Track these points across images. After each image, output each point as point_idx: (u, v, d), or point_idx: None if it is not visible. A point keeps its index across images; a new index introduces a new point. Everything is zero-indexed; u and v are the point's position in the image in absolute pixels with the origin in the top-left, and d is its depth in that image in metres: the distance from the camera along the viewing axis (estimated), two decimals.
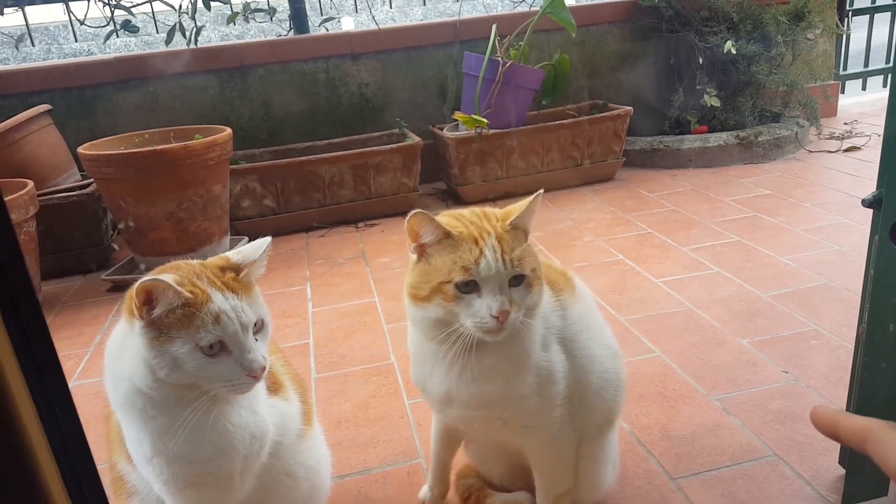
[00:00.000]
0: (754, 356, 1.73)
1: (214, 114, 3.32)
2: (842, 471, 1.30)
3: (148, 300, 0.87)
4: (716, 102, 3.54)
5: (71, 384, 1.92)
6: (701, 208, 2.88)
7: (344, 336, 2.08)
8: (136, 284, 0.87)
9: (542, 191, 1.04)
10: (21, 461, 0.50)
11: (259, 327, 0.95)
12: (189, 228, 2.59)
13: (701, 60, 3.59)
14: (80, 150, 2.52)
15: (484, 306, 0.96)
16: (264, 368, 0.92)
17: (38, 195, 2.45)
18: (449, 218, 1.04)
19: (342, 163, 3.05)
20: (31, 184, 2.33)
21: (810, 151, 3.56)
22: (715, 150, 3.48)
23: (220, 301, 0.90)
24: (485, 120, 3.01)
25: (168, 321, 0.88)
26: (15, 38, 3.34)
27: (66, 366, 2.01)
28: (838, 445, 1.31)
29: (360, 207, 3.14)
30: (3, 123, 2.61)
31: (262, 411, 1.01)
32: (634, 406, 1.57)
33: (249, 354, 0.91)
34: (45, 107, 2.82)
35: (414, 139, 3.19)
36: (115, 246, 2.96)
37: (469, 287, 0.97)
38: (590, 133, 3.29)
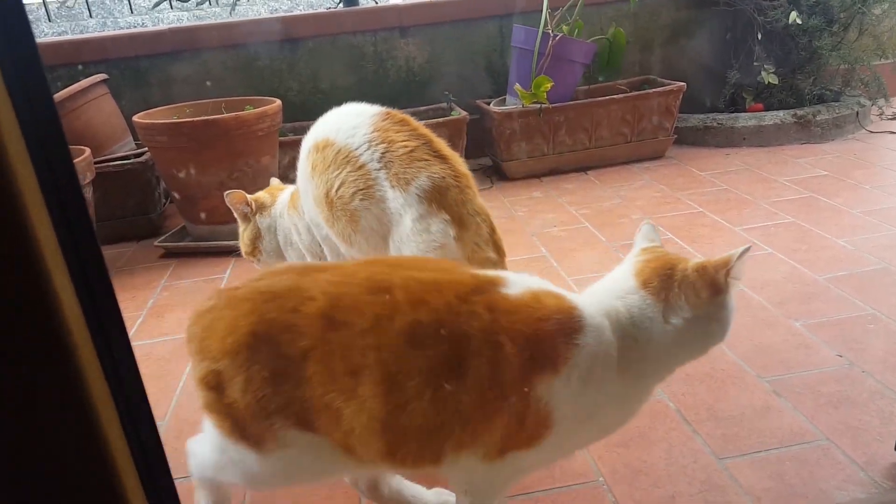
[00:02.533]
0: (808, 339, 1.69)
1: (263, 86, 3.35)
2: None
3: None
4: (774, 80, 3.42)
5: None
6: (754, 188, 2.80)
7: None
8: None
9: (232, 193, 1.72)
10: (85, 415, 0.51)
11: None
12: None
13: (759, 35, 3.47)
14: (135, 118, 2.57)
15: None
16: None
17: (94, 162, 2.52)
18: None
19: None
20: (87, 150, 2.39)
21: (871, 132, 3.42)
22: (770, 128, 3.37)
23: None
24: (548, 84, 2.93)
25: None
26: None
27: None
28: (895, 432, 1.27)
29: None
30: (61, 92, 2.67)
31: None
32: (681, 385, 1.55)
33: None
34: (101, 76, 2.88)
35: (460, 113, 3.17)
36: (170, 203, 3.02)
37: None
38: (641, 109, 3.22)
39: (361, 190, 1.25)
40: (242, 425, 0.95)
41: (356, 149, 1.28)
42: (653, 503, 1.22)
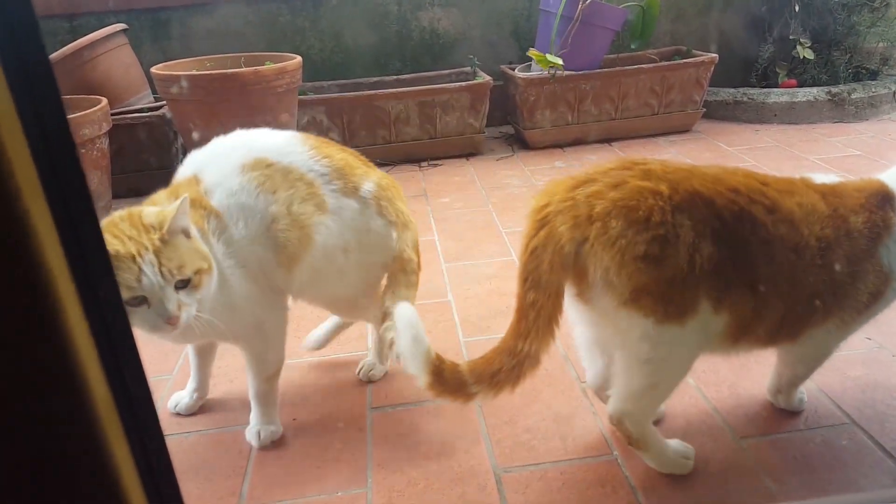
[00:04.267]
0: None
1: (285, 43, 3.28)
2: None
3: None
4: (809, 55, 3.31)
5: None
6: (784, 166, 2.72)
7: None
8: None
9: (186, 196, 1.11)
10: (74, 380, 0.47)
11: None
12: None
13: (797, 8, 3.34)
14: (154, 69, 2.53)
15: (154, 316, 1.07)
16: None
17: (112, 114, 2.48)
18: (106, 232, 1.06)
19: (409, 99, 2.98)
20: (104, 100, 2.36)
21: None
22: (803, 105, 3.26)
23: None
24: (560, 61, 2.88)
25: None
26: None
27: None
28: None
29: (425, 147, 3.09)
30: (78, 40, 2.63)
31: None
32: (701, 363, 1.48)
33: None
34: (120, 26, 2.83)
35: (484, 78, 3.09)
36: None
37: (138, 300, 1.06)
38: (670, 80, 3.12)
39: (318, 206, 1.27)
40: (671, 298, 1.00)
41: (303, 167, 1.29)
42: (668, 481, 1.18)
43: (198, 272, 1.11)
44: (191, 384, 1.47)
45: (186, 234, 1.13)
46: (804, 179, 1.15)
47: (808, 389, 1.37)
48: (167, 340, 1.23)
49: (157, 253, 1.07)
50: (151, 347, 1.68)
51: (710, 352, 1.16)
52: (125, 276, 1.05)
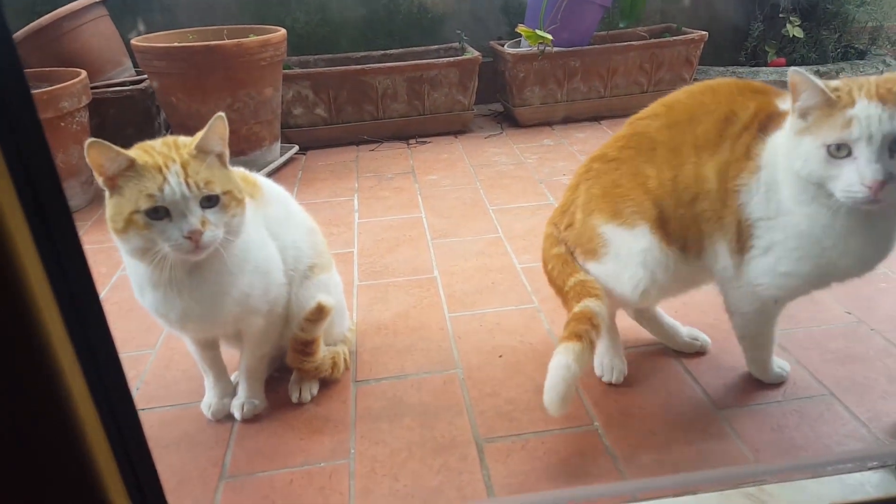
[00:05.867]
0: (816, 295, 1.61)
1: (270, 16, 3.24)
2: None
3: None
4: (799, 33, 3.30)
5: (118, 274, 1.95)
6: None
7: (388, 248, 2.05)
8: None
9: (222, 113, 1.10)
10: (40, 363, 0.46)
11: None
12: (240, 131, 2.56)
13: None
14: (134, 41, 2.48)
15: (175, 230, 1.05)
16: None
17: (91, 87, 2.44)
18: (135, 149, 1.09)
19: (397, 74, 2.95)
20: (83, 73, 2.32)
21: None
22: None
23: None
24: (549, 36, 2.86)
25: None
26: None
27: (115, 259, 2.02)
28: None
29: (413, 124, 3.06)
30: (56, 11, 2.58)
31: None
32: None
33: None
34: None
35: (473, 53, 3.06)
36: None
37: (159, 213, 1.04)
38: (660, 57, 3.11)
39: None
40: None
41: None
42: (647, 450, 1.19)
43: (227, 193, 1.09)
44: (214, 387, 1.36)
45: (222, 161, 1.13)
46: (739, 80, 1.24)
47: (788, 361, 1.38)
48: (188, 327, 1.22)
49: (184, 165, 1.06)
50: (134, 322, 1.67)
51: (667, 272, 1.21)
52: (147, 185, 1.03)
